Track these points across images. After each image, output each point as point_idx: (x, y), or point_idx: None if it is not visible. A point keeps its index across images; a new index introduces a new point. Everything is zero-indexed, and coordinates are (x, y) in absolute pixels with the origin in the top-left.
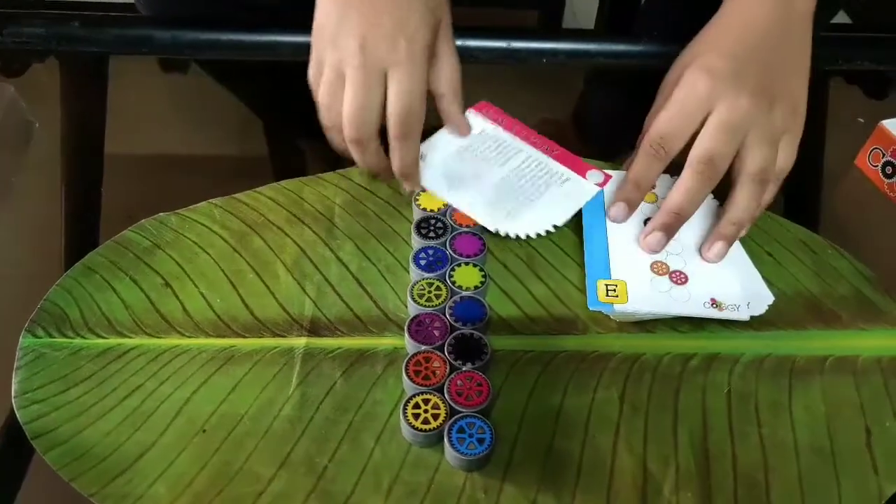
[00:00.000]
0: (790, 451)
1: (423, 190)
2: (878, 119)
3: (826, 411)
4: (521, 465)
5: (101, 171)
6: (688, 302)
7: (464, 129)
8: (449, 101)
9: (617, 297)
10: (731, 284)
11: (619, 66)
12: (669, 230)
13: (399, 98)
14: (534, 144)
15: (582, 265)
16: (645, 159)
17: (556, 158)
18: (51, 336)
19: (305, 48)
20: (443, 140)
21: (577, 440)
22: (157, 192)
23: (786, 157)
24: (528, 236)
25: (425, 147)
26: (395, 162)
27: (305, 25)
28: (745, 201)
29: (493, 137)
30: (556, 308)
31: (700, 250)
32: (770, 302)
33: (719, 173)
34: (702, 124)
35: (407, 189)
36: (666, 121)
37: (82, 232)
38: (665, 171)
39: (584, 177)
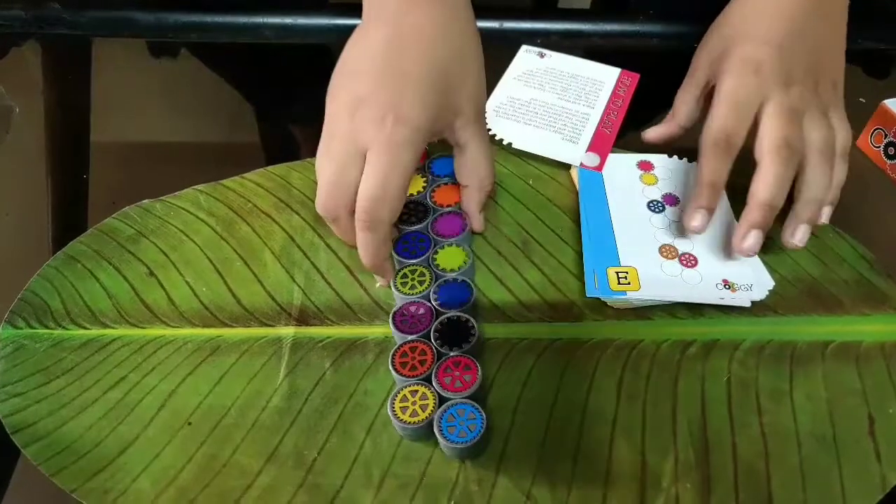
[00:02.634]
0: (791, 439)
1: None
2: (879, 99)
3: (828, 398)
4: (516, 456)
5: (86, 157)
6: (700, 284)
7: (477, 227)
8: (469, 195)
9: (629, 283)
10: (740, 264)
11: (614, 46)
12: (766, 225)
13: (369, 183)
14: (606, 110)
15: (578, 251)
16: (714, 158)
17: (599, 126)
18: (31, 327)
19: (289, 30)
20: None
21: (573, 430)
22: (145, 178)
23: (843, 131)
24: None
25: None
26: (361, 253)
27: (289, 8)
28: (818, 178)
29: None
30: (551, 294)
31: (782, 237)
32: (770, 287)
33: (799, 154)
34: (757, 116)
35: (378, 283)
36: (723, 117)
37: (69, 220)
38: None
39: (593, 155)
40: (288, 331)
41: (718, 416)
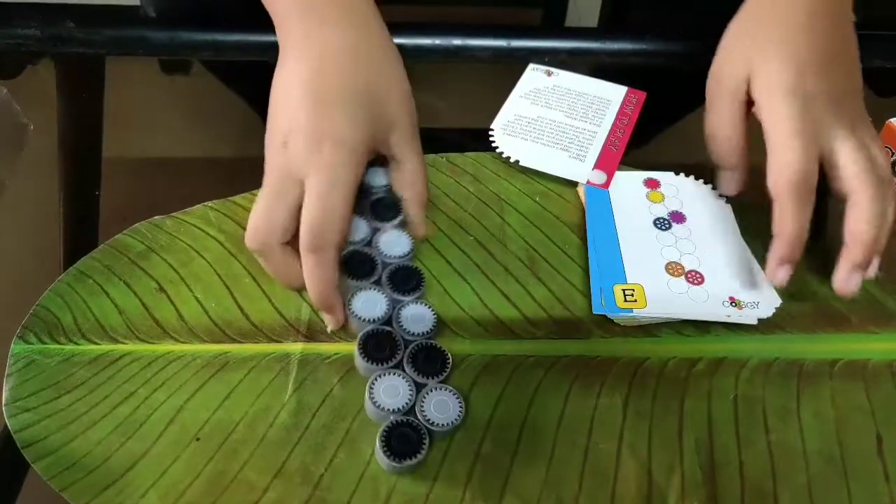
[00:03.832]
0: (799, 458)
1: (345, 326)
2: (886, 117)
3: (836, 417)
4: (522, 473)
5: (98, 173)
6: (707, 302)
7: (421, 233)
8: (410, 205)
9: (636, 301)
10: (747, 282)
11: (621, 65)
12: (866, 264)
13: (312, 207)
14: (613, 127)
15: (585, 268)
16: (798, 206)
17: (606, 144)
18: (42, 342)
19: None
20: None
21: (579, 448)
22: (158, 194)
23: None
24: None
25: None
26: (308, 282)
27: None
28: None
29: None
30: (558, 312)
31: (834, 283)
32: (777, 305)
33: (888, 180)
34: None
35: (329, 326)
36: (799, 158)
37: (81, 236)
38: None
39: (602, 173)
40: (296, 347)
41: (725, 434)
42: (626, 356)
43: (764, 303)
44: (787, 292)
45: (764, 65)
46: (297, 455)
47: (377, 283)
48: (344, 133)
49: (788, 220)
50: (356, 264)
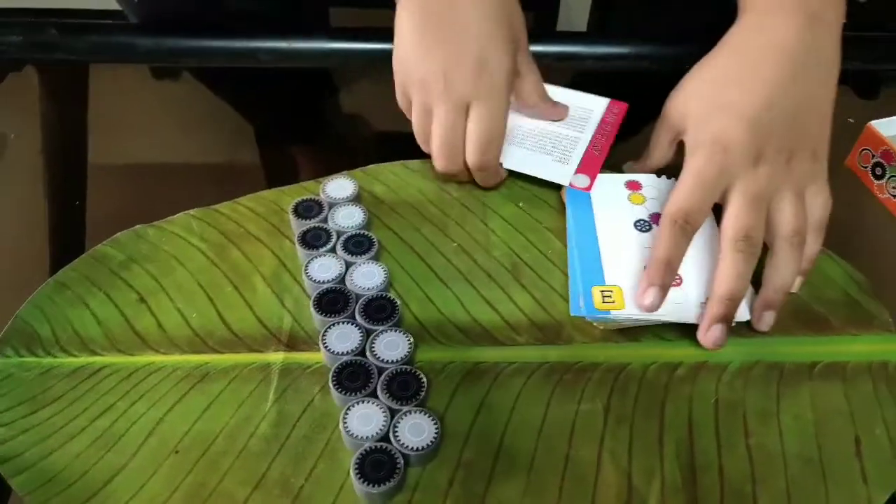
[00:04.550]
0: (778, 461)
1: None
2: (869, 119)
3: (815, 419)
4: (503, 479)
5: (83, 181)
6: (684, 304)
7: (563, 114)
8: (542, 108)
9: (614, 303)
10: None
11: (608, 69)
12: (728, 319)
13: (479, 131)
14: (595, 134)
15: (567, 273)
16: (671, 237)
17: (589, 149)
18: (20, 355)
19: (285, 54)
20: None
21: (560, 454)
22: (145, 200)
23: (819, 206)
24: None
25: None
26: (481, 184)
27: (286, 32)
28: (785, 265)
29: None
30: (540, 317)
31: (752, 321)
32: (746, 318)
33: (759, 245)
34: (722, 193)
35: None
36: (686, 196)
37: (67, 245)
38: (658, 174)
39: (583, 176)
40: (277, 357)
41: (706, 438)
42: (608, 361)
43: (743, 305)
44: None
45: (710, 115)
46: (277, 466)
47: (351, 316)
48: (497, 64)
49: (658, 247)
50: (330, 302)
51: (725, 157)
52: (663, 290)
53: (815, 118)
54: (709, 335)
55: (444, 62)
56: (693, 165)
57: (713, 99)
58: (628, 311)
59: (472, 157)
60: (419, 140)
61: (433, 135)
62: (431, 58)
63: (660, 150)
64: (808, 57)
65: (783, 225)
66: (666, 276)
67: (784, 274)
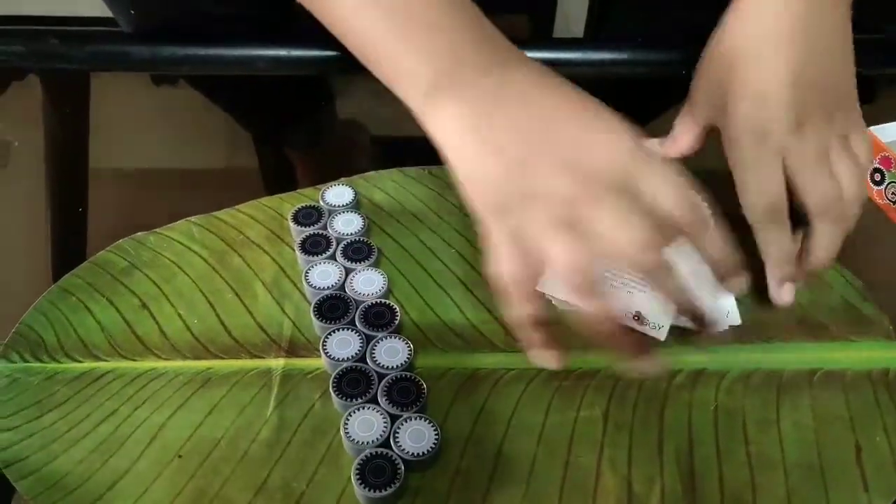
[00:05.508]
0: (778, 468)
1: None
2: (867, 124)
3: (815, 427)
4: (502, 486)
5: (85, 188)
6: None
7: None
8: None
9: None
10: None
11: (604, 74)
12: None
13: (666, 194)
14: None
15: None
16: (773, 234)
17: None
18: (25, 361)
19: (282, 62)
20: None
21: (559, 461)
22: (147, 207)
23: (865, 150)
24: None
25: None
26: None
27: (283, 40)
28: (831, 236)
29: None
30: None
31: (776, 295)
32: (738, 323)
33: (842, 204)
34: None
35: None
36: (760, 192)
37: (69, 251)
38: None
39: None
40: (278, 362)
41: (705, 446)
42: (607, 368)
43: (735, 311)
44: (766, 301)
45: (737, 102)
46: (279, 471)
47: (350, 323)
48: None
49: (769, 247)
50: (330, 308)
51: (770, 136)
52: (793, 280)
53: (844, 65)
54: (786, 294)
55: (557, 145)
56: (741, 151)
57: (743, 69)
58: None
59: (682, 221)
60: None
61: (606, 232)
62: (545, 163)
63: (687, 137)
64: (818, 19)
65: (826, 194)
66: (788, 269)
67: (832, 240)
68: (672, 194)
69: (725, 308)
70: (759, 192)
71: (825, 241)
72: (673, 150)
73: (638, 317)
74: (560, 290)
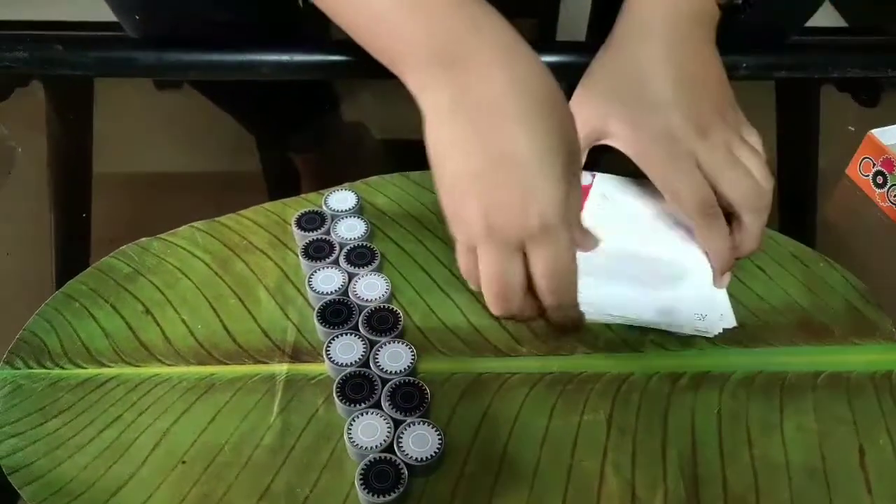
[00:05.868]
0: (782, 472)
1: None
2: (868, 128)
3: (818, 430)
4: (506, 490)
5: (89, 194)
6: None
7: (590, 246)
8: (576, 232)
9: None
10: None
11: None
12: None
13: (546, 274)
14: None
15: None
16: (713, 228)
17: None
18: (29, 367)
19: (286, 67)
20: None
21: (563, 465)
22: (150, 210)
23: (757, 141)
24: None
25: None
26: (559, 326)
27: (286, 45)
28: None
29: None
30: (542, 328)
31: (717, 283)
32: (733, 325)
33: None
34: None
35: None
36: (692, 191)
37: (72, 257)
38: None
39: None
40: (281, 368)
41: (709, 449)
42: (610, 372)
43: (730, 313)
44: (771, 305)
45: (625, 115)
46: (283, 476)
47: (354, 327)
48: (550, 193)
49: (708, 242)
50: (333, 313)
51: (679, 143)
52: (731, 270)
53: (716, 74)
54: (726, 280)
55: (482, 195)
56: (660, 162)
57: (629, 97)
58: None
59: (545, 299)
60: (466, 279)
61: (482, 279)
62: (470, 191)
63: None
64: (683, 31)
65: (748, 189)
66: (728, 261)
67: (761, 228)
68: (550, 270)
69: (719, 310)
70: (690, 191)
71: (755, 231)
72: None
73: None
74: None
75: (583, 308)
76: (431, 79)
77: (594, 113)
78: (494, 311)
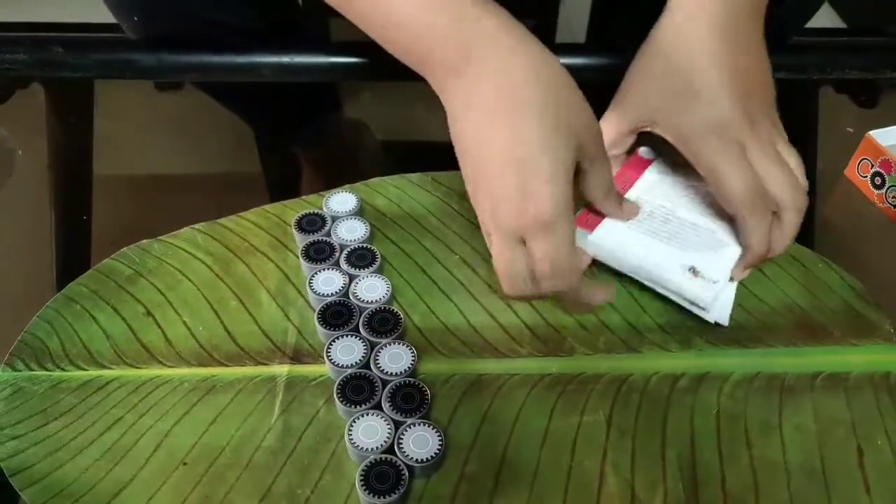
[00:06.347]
0: (780, 472)
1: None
2: (867, 129)
3: (817, 430)
4: (506, 490)
5: (89, 196)
6: (664, 261)
7: (630, 214)
8: (607, 205)
9: (587, 223)
10: (714, 256)
11: (605, 80)
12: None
13: (542, 263)
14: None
15: None
16: (758, 219)
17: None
18: (30, 369)
19: (287, 69)
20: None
21: (563, 465)
22: (153, 212)
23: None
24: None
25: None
26: (571, 309)
27: (287, 47)
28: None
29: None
30: (541, 329)
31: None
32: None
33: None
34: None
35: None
36: (741, 179)
37: (73, 259)
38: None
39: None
40: (282, 369)
41: (708, 450)
42: (610, 373)
43: (727, 311)
44: (769, 306)
45: (675, 103)
46: (283, 478)
47: (355, 329)
48: (544, 187)
49: (753, 238)
50: (333, 315)
51: (729, 132)
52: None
53: (765, 70)
54: (745, 274)
55: (490, 191)
56: (709, 150)
57: (680, 86)
58: (599, 236)
59: (546, 291)
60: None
61: (494, 264)
62: (482, 186)
63: (620, 142)
64: (737, 24)
65: (791, 186)
66: (762, 258)
67: (797, 227)
68: (547, 262)
69: (727, 305)
70: (740, 181)
71: (792, 231)
72: (615, 150)
73: (693, 270)
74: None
75: (594, 249)
76: (447, 81)
77: (642, 100)
78: (505, 294)
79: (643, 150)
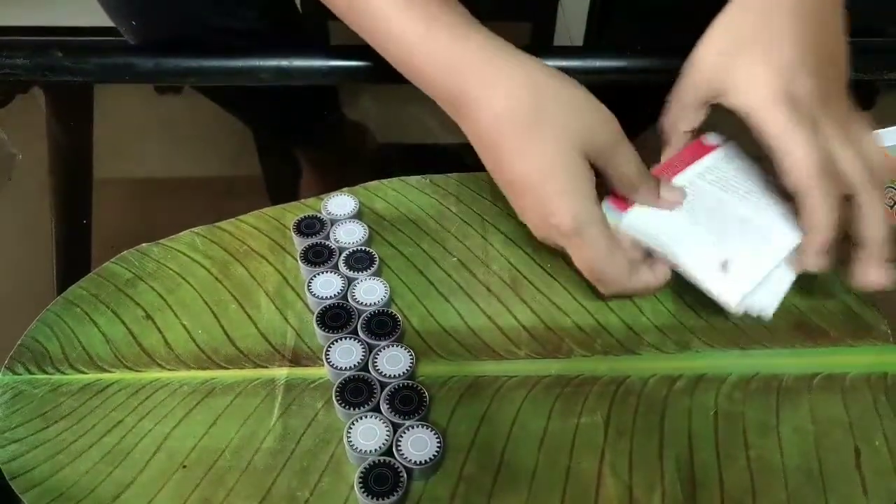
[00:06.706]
0: (778, 473)
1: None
2: None
3: (815, 431)
4: (504, 492)
5: (89, 200)
6: (698, 251)
7: (670, 203)
8: (638, 196)
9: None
10: (749, 252)
11: (603, 82)
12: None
13: (584, 268)
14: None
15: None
16: (821, 196)
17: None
18: (30, 372)
19: (285, 73)
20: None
21: (561, 467)
22: (154, 216)
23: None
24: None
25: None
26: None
27: (286, 51)
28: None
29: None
30: (539, 331)
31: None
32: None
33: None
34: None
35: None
36: (808, 149)
37: (73, 263)
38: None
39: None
40: (281, 372)
41: (706, 451)
42: (607, 374)
43: (772, 300)
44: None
45: (748, 72)
46: (283, 480)
47: (353, 332)
48: (559, 200)
49: (817, 217)
50: (332, 318)
51: (802, 106)
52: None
53: (842, 50)
54: (875, 276)
55: (521, 211)
56: (779, 121)
57: (755, 57)
58: (632, 218)
59: (604, 293)
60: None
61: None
62: (512, 199)
63: (690, 115)
64: (819, 5)
65: (866, 167)
66: (830, 239)
67: (882, 210)
68: (585, 266)
69: (779, 295)
70: (807, 152)
71: (876, 211)
72: (684, 124)
73: (725, 265)
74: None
75: (627, 230)
76: (453, 114)
77: (713, 71)
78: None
79: (710, 136)
